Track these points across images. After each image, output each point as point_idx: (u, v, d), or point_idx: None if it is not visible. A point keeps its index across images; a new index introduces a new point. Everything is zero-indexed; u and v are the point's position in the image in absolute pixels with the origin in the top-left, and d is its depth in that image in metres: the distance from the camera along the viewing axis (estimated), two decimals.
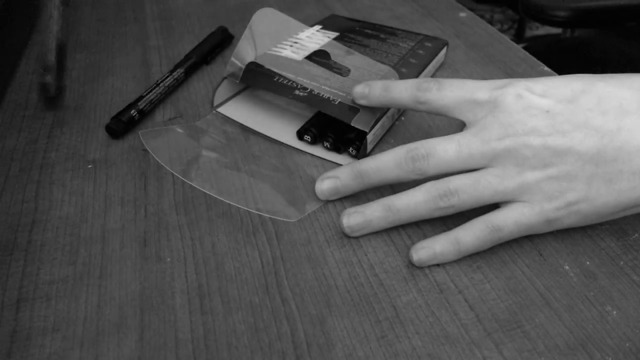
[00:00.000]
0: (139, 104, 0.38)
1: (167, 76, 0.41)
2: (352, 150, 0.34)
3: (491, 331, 0.24)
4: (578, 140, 0.25)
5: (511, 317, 0.25)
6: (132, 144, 0.36)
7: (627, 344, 0.23)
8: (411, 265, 0.27)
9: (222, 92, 0.39)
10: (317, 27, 0.45)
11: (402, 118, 0.38)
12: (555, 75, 0.42)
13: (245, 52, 0.38)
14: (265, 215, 0.30)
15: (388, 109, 0.35)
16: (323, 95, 0.34)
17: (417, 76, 0.39)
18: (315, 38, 0.42)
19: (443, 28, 0.51)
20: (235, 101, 0.39)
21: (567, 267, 0.27)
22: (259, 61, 0.38)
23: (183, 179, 0.32)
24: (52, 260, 0.28)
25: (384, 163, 0.28)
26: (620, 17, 0.73)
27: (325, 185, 0.30)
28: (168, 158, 0.34)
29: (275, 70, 0.37)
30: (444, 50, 0.44)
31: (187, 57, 0.44)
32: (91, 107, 0.40)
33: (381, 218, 0.28)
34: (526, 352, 0.23)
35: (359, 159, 0.33)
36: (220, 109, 0.38)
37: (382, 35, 0.43)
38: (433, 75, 0.43)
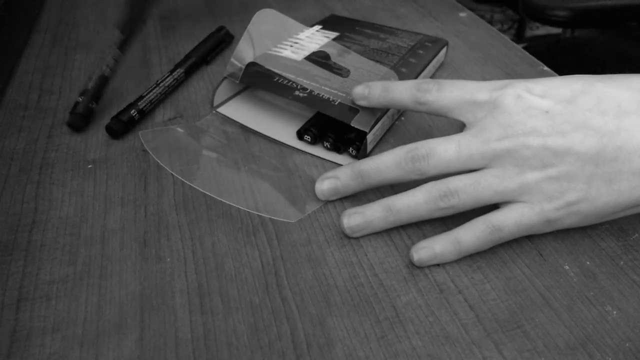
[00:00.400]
0: (139, 104, 0.38)
1: (167, 76, 0.41)
2: (352, 151, 0.34)
3: (491, 331, 0.24)
4: (577, 140, 0.25)
5: (511, 317, 0.25)
6: (132, 144, 0.36)
7: (627, 344, 0.23)
8: (411, 265, 0.27)
9: (222, 92, 0.39)
10: (317, 27, 0.45)
11: (402, 118, 0.38)
12: (555, 75, 0.42)
13: (245, 52, 0.38)
14: (265, 215, 0.30)
15: (388, 109, 0.35)
16: (323, 95, 0.34)
17: (417, 76, 0.39)
18: (315, 38, 0.42)
19: (443, 28, 0.51)
20: (235, 101, 0.39)
21: (567, 267, 0.27)
22: (259, 61, 0.38)
23: (183, 179, 0.32)
24: (52, 260, 0.28)
25: (384, 163, 0.28)
26: (620, 17, 0.73)
27: (325, 185, 0.30)
28: (168, 158, 0.34)
29: (275, 70, 0.37)
30: (443, 50, 0.44)
31: (187, 57, 0.44)
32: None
33: (381, 218, 0.28)
34: (526, 352, 0.23)
35: (359, 159, 0.33)
36: (220, 109, 0.38)
37: (382, 35, 0.43)
38: (433, 75, 0.43)
